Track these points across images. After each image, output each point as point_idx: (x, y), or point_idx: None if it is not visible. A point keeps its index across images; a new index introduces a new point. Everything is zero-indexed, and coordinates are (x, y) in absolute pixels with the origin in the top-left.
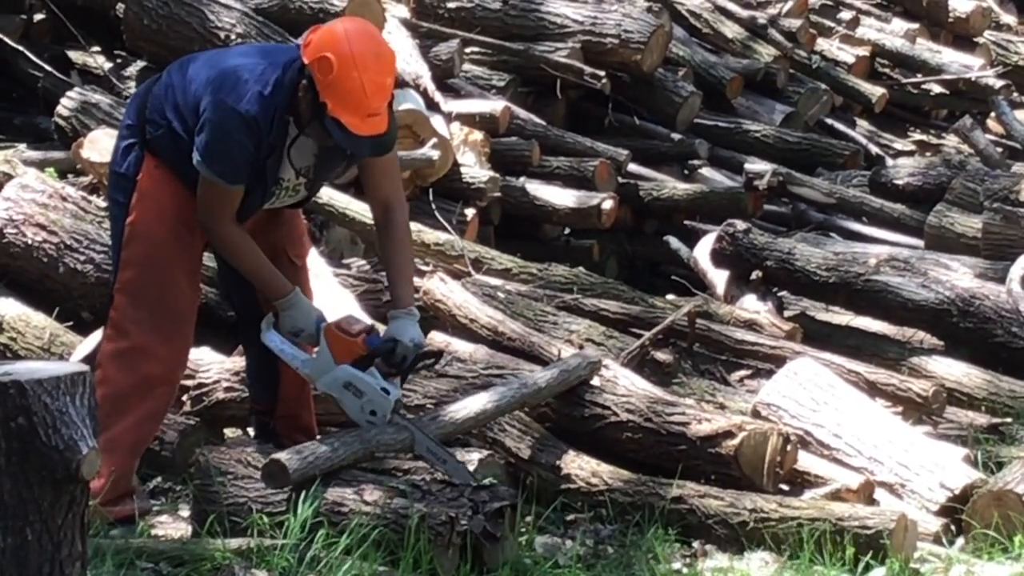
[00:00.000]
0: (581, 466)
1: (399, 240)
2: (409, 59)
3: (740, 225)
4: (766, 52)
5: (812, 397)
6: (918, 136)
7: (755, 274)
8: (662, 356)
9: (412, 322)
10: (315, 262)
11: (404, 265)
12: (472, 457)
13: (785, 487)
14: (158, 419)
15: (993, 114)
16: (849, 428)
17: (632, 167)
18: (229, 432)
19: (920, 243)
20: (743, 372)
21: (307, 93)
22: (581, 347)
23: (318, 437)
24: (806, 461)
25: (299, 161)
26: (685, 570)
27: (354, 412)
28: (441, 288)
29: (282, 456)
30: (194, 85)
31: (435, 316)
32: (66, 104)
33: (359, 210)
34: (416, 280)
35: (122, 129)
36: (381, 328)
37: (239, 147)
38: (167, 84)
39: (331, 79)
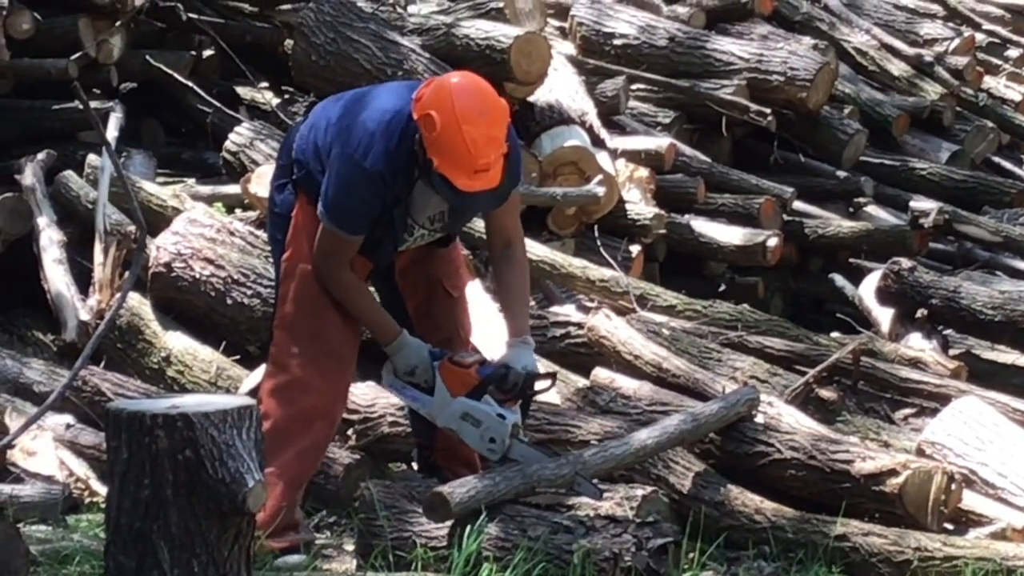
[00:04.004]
0: (745, 503)
1: (518, 271)
2: (575, 96)
3: (905, 263)
4: (932, 90)
5: (977, 436)
6: None
7: (920, 312)
8: (826, 393)
9: (527, 350)
10: (479, 297)
11: (521, 295)
12: (636, 493)
13: (949, 526)
14: (318, 452)
15: None
16: (1014, 467)
17: (797, 204)
18: (394, 466)
19: None
20: (908, 410)
21: (421, 147)
22: (745, 384)
23: (481, 471)
24: (971, 500)
25: (425, 212)
26: None
27: (474, 441)
28: (605, 324)
29: (444, 489)
30: (332, 130)
31: (599, 352)
32: (234, 139)
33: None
34: (580, 316)
35: (275, 169)
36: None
37: (363, 202)
38: (312, 125)
39: (435, 136)
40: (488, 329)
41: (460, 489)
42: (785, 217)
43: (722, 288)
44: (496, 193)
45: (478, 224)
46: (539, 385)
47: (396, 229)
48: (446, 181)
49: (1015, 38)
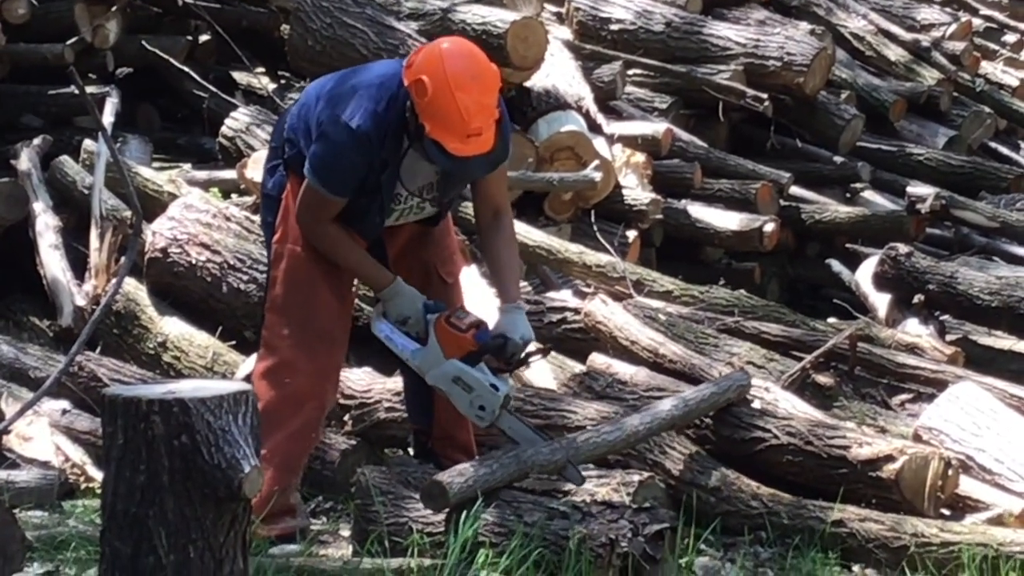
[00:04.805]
0: (741, 488)
1: (507, 239)
2: (572, 81)
3: (902, 249)
4: (929, 75)
5: (974, 421)
6: None
7: (917, 298)
8: (823, 379)
9: (521, 316)
10: (476, 283)
11: (511, 262)
12: (632, 479)
13: (946, 512)
14: (309, 435)
15: None
16: (1011, 453)
17: (794, 190)
18: (390, 452)
19: None
20: (904, 396)
21: (412, 114)
22: (741, 369)
23: (476, 458)
24: (967, 486)
25: (415, 181)
26: None
27: (463, 406)
28: (602, 310)
29: (442, 478)
30: (322, 102)
31: (596, 338)
32: (230, 124)
33: (520, 231)
34: (577, 301)
35: (268, 152)
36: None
37: (348, 162)
38: (303, 104)
39: (427, 101)
40: (485, 315)
41: (458, 479)
42: (782, 202)
43: (722, 282)
44: (489, 158)
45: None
46: (533, 358)
47: (383, 197)
48: (439, 146)
49: (1012, 23)
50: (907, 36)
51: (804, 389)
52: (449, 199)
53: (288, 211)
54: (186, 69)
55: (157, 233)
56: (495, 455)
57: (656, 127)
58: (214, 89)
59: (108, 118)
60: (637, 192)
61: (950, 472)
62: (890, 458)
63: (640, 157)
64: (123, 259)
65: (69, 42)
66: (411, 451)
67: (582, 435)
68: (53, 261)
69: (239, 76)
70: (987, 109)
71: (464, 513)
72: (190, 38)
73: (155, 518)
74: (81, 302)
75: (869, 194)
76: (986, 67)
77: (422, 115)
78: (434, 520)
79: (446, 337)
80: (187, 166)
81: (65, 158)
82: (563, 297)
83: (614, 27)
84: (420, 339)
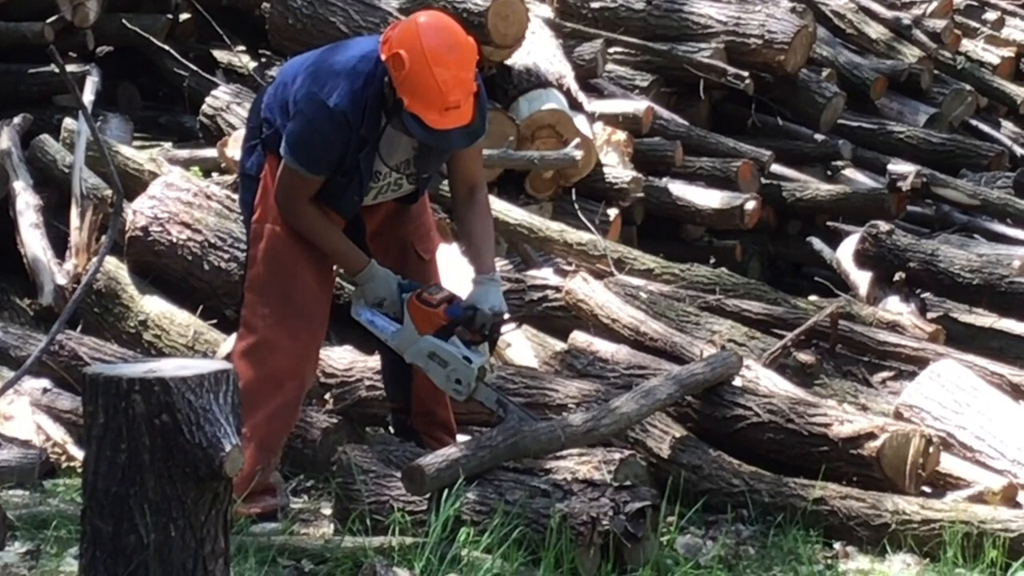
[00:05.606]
0: (723, 466)
1: (481, 213)
2: (552, 59)
3: (883, 226)
4: (910, 53)
5: (955, 399)
6: None
7: (898, 275)
8: (804, 357)
9: (494, 288)
10: (455, 261)
11: (486, 234)
12: (614, 457)
13: (927, 489)
14: (289, 414)
15: None
16: (992, 430)
17: (775, 168)
18: (371, 430)
19: None
20: (885, 373)
21: (390, 88)
22: (723, 347)
23: (461, 441)
24: (948, 463)
25: (393, 157)
26: (827, 572)
27: (441, 381)
28: (583, 288)
29: (423, 462)
30: (299, 79)
31: (577, 316)
32: (211, 103)
33: (501, 210)
34: (558, 280)
35: (246, 132)
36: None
37: (325, 141)
38: (280, 83)
39: (404, 75)
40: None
41: (436, 460)
42: (763, 180)
43: (713, 261)
44: (468, 130)
45: None
46: (505, 328)
47: (362, 175)
48: (418, 120)
49: (993, 1)
50: (888, 14)
51: (785, 367)
52: (427, 175)
53: (267, 191)
54: (167, 48)
55: (138, 212)
56: (480, 439)
57: (637, 105)
58: (195, 68)
59: (88, 97)
60: (618, 170)
61: (931, 449)
62: (871, 436)
63: (621, 135)
64: (104, 238)
65: (49, 21)
66: (391, 430)
67: (576, 418)
68: (34, 240)
69: (220, 55)
70: (968, 87)
71: (446, 492)
72: (170, 16)
73: (136, 497)
74: (62, 281)
75: (850, 172)
76: (967, 45)
77: (400, 89)
78: (416, 499)
79: (418, 313)
80: (168, 145)
81: (46, 137)
82: (544, 275)
83: (595, 5)
84: (397, 319)
